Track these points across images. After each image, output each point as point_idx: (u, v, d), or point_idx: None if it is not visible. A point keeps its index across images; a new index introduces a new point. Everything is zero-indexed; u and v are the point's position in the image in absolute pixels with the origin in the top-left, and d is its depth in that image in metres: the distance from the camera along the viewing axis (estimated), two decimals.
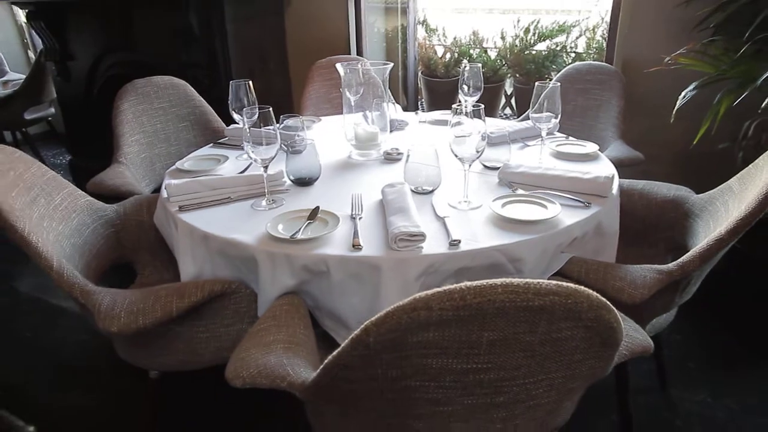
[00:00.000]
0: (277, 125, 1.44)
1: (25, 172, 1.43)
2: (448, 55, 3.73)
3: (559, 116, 1.69)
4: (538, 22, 3.46)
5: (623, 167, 1.96)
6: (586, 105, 2.52)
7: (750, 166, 1.49)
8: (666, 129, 2.63)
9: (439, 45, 3.77)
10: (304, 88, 2.71)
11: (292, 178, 1.61)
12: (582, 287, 0.73)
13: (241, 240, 1.27)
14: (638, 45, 2.59)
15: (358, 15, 3.13)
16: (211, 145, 2.06)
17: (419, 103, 3.73)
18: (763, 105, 1.68)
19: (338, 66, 1.82)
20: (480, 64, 2.09)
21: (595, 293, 0.74)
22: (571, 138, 2.02)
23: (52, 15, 3.21)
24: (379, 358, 0.76)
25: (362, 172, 1.73)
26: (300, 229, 1.27)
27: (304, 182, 1.61)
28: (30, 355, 2.22)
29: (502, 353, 0.77)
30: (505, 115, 3.72)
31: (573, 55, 3.46)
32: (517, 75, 3.53)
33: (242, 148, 1.93)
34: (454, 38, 3.74)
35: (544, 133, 1.73)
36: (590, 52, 3.38)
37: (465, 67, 2.08)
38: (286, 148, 1.61)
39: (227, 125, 2.22)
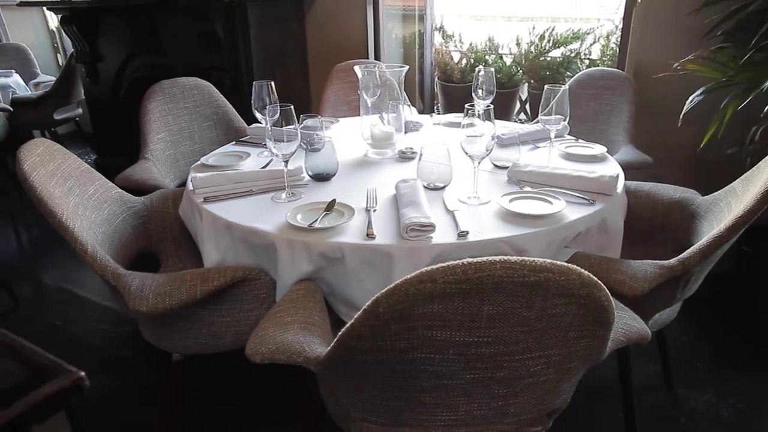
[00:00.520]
0: (298, 124, 1.52)
1: (63, 163, 1.52)
2: (464, 61, 3.80)
3: (568, 118, 1.75)
4: (553, 29, 3.52)
5: (633, 170, 2.01)
6: (598, 109, 2.57)
7: (753, 168, 1.54)
8: (675, 134, 2.67)
9: (456, 51, 3.84)
10: (323, 91, 2.80)
11: (310, 173, 1.69)
12: (575, 266, 0.80)
13: (262, 228, 1.35)
14: (649, 52, 2.64)
15: (377, 21, 3.22)
16: (234, 142, 2.16)
17: (435, 106, 3.80)
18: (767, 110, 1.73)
19: (356, 68, 1.91)
20: (493, 69, 2.15)
21: (587, 272, 0.81)
22: (580, 140, 2.08)
23: (84, 19, 3.35)
24: (389, 328, 0.83)
25: (377, 169, 1.81)
26: (318, 219, 1.35)
27: (322, 177, 1.69)
28: (57, 343, 2.33)
29: (501, 327, 0.84)
30: (519, 120, 3.78)
31: (587, 61, 3.51)
32: (532, 81, 3.59)
33: (264, 146, 2.03)
34: (470, 44, 3.81)
35: (552, 135, 1.80)
36: (604, 58, 3.43)
37: (479, 71, 2.15)
38: (305, 146, 1.69)
39: (249, 125, 2.32)
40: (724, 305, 2.39)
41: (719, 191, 1.68)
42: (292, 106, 1.50)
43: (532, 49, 3.59)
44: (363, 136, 1.94)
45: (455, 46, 3.82)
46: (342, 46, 3.27)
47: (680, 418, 1.85)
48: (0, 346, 0.83)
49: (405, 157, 1.89)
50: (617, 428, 1.79)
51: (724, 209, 1.61)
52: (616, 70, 2.60)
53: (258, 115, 1.92)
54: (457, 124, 2.33)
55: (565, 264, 0.79)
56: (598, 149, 1.93)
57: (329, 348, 0.96)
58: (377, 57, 3.29)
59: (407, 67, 1.89)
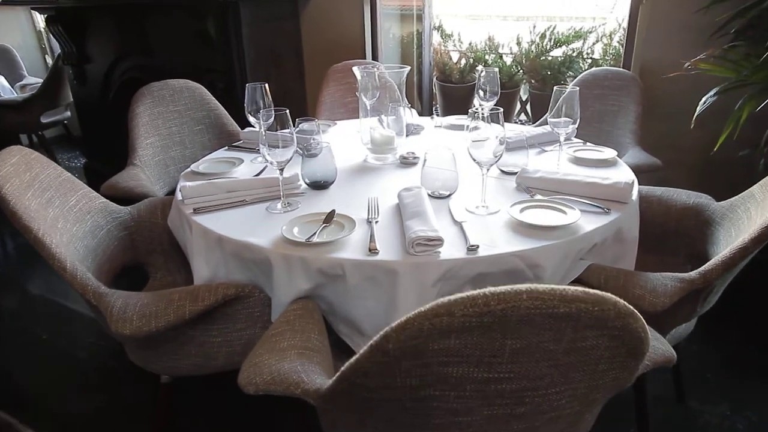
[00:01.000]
0: (293, 128, 1.42)
1: (41, 173, 1.42)
2: (463, 61, 3.71)
3: (578, 121, 1.67)
4: (554, 28, 3.44)
5: (641, 174, 1.93)
6: (603, 110, 2.49)
7: None
8: (682, 135, 2.59)
9: (455, 50, 3.76)
10: (319, 92, 2.70)
11: (307, 181, 1.60)
12: (609, 294, 0.71)
13: (255, 243, 1.26)
14: (656, 51, 2.56)
15: (374, 20, 3.12)
16: (226, 147, 2.06)
17: (434, 108, 3.71)
18: None
19: (355, 69, 1.81)
20: (497, 69, 2.06)
21: (622, 301, 0.71)
22: (588, 143, 2.00)
23: (71, 19, 3.24)
24: (399, 365, 0.74)
25: (378, 176, 1.72)
26: (316, 233, 1.26)
27: (319, 186, 1.60)
28: (44, 357, 2.22)
29: (525, 362, 0.75)
30: (520, 121, 3.69)
31: (589, 61, 3.43)
32: (533, 81, 3.50)
33: (257, 151, 1.93)
34: (470, 44, 3.72)
35: (562, 138, 1.71)
36: (607, 58, 3.34)
37: (481, 72, 2.06)
38: (301, 152, 1.60)
39: (242, 129, 2.22)
40: (735, 313, 2.31)
41: (736, 197, 1.60)
42: (287, 111, 1.41)
43: (533, 48, 3.50)
44: (362, 141, 1.85)
45: (454, 45, 3.73)
46: (338, 45, 3.17)
47: None
48: None
49: (407, 162, 1.79)
50: None
51: (743, 216, 1.53)
52: (621, 69, 2.52)
53: (251, 119, 1.83)
54: (459, 127, 2.25)
55: (599, 293, 0.70)
56: (608, 153, 1.85)
57: (331, 382, 0.87)
58: (375, 57, 3.19)
59: (408, 68, 1.79)
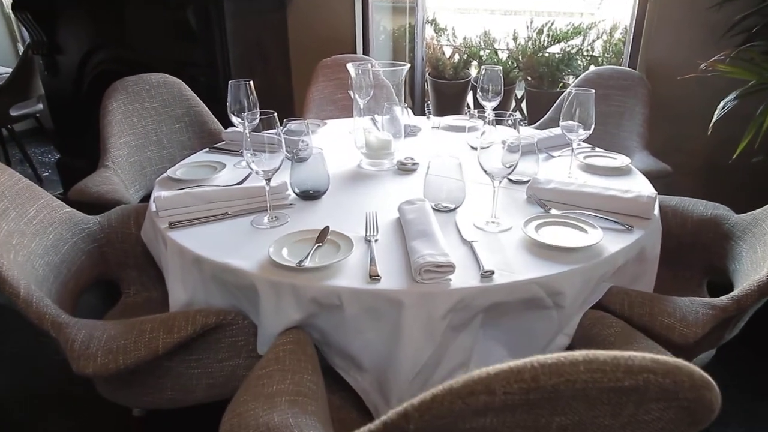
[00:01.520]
0: (280, 128, 1.27)
1: None
2: (456, 57, 3.56)
3: (593, 126, 1.53)
4: (552, 24, 3.30)
5: (649, 180, 1.81)
6: (607, 112, 2.36)
7: None
8: (689, 138, 2.48)
9: (448, 45, 3.61)
10: (307, 89, 2.54)
11: (297, 190, 1.44)
12: (682, 362, 0.57)
13: (239, 266, 1.10)
14: (664, 49, 2.43)
15: (365, 12, 2.96)
16: (207, 149, 1.89)
17: (426, 105, 3.56)
18: None
19: (349, 66, 1.66)
20: (500, 67, 1.92)
21: (698, 369, 0.58)
22: (598, 149, 1.87)
23: (40, 5, 3.03)
24: None
25: (375, 184, 1.57)
26: (308, 255, 1.10)
27: (310, 196, 1.44)
28: (16, 374, 2.05)
29: None
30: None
31: (588, 58, 3.30)
32: (529, 78, 3.36)
33: (241, 154, 1.77)
34: (464, 39, 3.57)
35: (575, 144, 1.57)
36: (607, 56, 3.21)
37: (482, 71, 1.92)
38: (290, 156, 1.44)
39: (225, 128, 2.05)
40: (747, 332, 2.20)
41: (760, 210, 1.48)
42: (275, 114, 1.25)
43: (530, 44, 3.36)
44: (356, 145, 1.69)
45: (448, 40, 3.58)
46: (327, 39, 3.00)
47: None
48: None
49: (405, 168, 1.65)
50: None
51: None
52: (628, 69, 2.39)
53: (235, 120, 1.67)
54: (458, 128, 2.11)
55: (671, 360, 0.56)
56: (621, 160, 1.72)
57: None
58: (366, 52, 3.03)
59: (408, 65, 1.64)
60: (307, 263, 1.07)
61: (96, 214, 1.59)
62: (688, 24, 2.32)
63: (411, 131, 2.01)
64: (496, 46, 3.53)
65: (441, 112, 3.43)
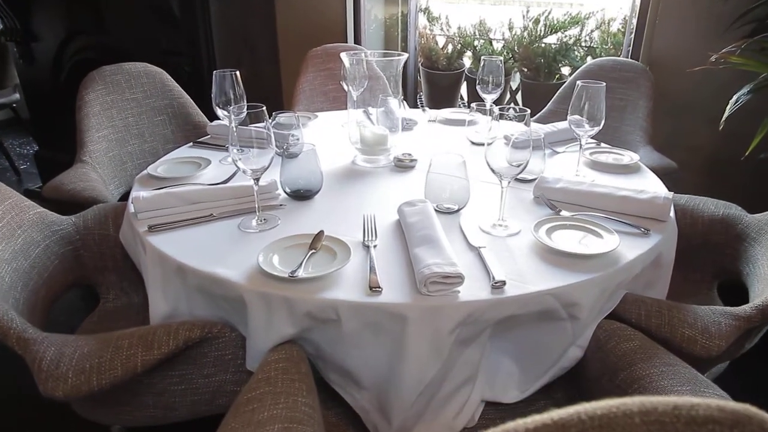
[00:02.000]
0: (269, 122, 1.16)
1: None
2: (450, 47, 3.46)
3: (603, 122, 1.45)
4: (549, 13, 3.21)
5: None
6: (609, 105, 2.24)
7: None
8: (692, 134, 2.41)
9: (441, 35, 3.50)
10: (296, 79, 2.43)
11: (287, 190, 1.34)
12: (752, 409, 0.48)
13: (226, 276, 1.00)
14: (667, 40, 2.35)
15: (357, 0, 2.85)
16: (191, 144, 1.78)
17: (418, 96, 3.47)
18: None
19: (343, 56, 1.55)
20: (501, 57, 1.83)
21: None
22: (603, 144, 1.78)
23: None
24: None
25: (371, 182, 1.47)
26: (301, 264, 1.00)
27: (302, 196, 1.34)
28: None
29: None
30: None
31: (586, 49, 3.21)
32: (525, 69, 3.28)
33: (227, 149, 1.66)
34: (458, 28, 3.46)
35: (583, 141, 1.49)
36: (606, 46, 3.13)
37: (482, 62, 1.83)
38: (280, 151, 1.34)
39: (211, 121, 1.94)
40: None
41: None
42: (263, 108, 1.15)
43: (526, 34, 3.27)
44: (350, 140, 1.59)
45: (441, 29, 3.48)
46: (317, 27, 2.88)
47: None
48: None
49: (402, 165, 1.55)
50: None
51: None
52: (630, 60, 2.31)
53: (220, 113, 1.56)
54: (455, 122, 2.01)
55: (738, 407, 0.47)
56: (630, 156, 1.64)
57: None
58: (357, 41, 2.92)
59: (406, 55, 1.54)
60: (301, 273, 0.98)
61: (72, 214, 1.48)
62: (693, 14, 2.24)
63: (407, 125, 1.91)
64: (491, 36, 3.43)
65: (434, 104, 3.33)
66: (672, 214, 1.29)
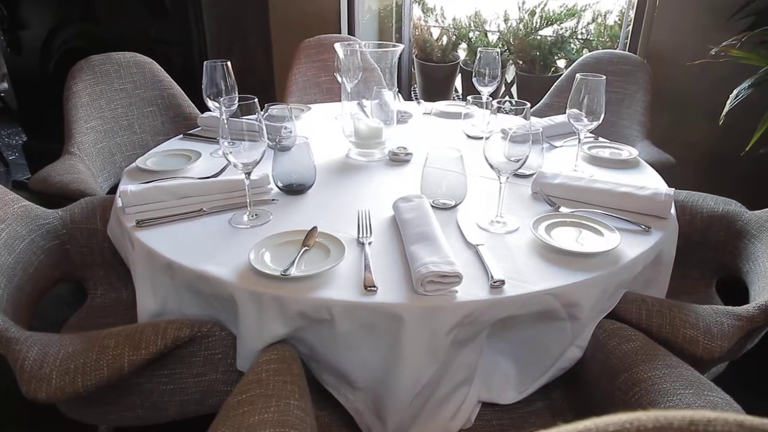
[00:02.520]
0: (261, 114, 1.13)
1: None
2: (444, 38, 3.42)
3: (602, 116, 1.42)
4: (545, 5, 3.17)
5: None
6: (606, 99, 2.23)
7: None
8: (689, 128, 2.39)
9: (436, 26, 3.46)
10: (289, 70, 2.39)
11: (279, 184, 1.31)
12: None
13: (216, 274, 0.97)
14: (665, 33, 2.33)
15: None
16: (181, 136, 1.74)
17: (412, 88, 3.43)
18: None
19: (337, 47, 1.52)
20: (497, 49, 1.80)
21: None
22: (601, 139, 1.76)
23: None
24: None
25: (365, 176, 1.44)
26: (294, 262, 0.97)
27: (294, 190, 1.31)
28: None
29: None
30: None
31: (582, 41, 3.18)
32: (520, 62, 3.24)
33: (218, 142, 1.62)
34: (453, 19, 3.42)
35: (582, 136, 1.46)
36: (602, 39, 3.10)
37: (478, 53, 1.80)
38: (272, 144, 1.30)
39: (202, 112, 1.90)
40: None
41: None
42: (255, 99, 1.12)
43: (521, 26, 3.24)
44: (344, 133, 1.56)
45: (436, 20, 3.44)
46: (310, 17, 2.84)
47: None
48: None
49: (398, 159, 1.52)
50: None
51: None
52: (628, 53, 2.28)
53: (211, 105, 1.52)
54: (451, 114, 1.98)
55: (757, 422, 0.45)
56: (628, 151, 1.61)
57: None
58: (351, 31, 2.88)
59: (402, 46, 1.50)
60: (293, 271, 0.95)
61: (60, 206, 1.44)
62: (692, 6, 2.21)
63: (402, 118, 1.88)
64: (486, 27, 3.39)
65: (428, 96, 3.30)
66: (673, 210, 1.27)
